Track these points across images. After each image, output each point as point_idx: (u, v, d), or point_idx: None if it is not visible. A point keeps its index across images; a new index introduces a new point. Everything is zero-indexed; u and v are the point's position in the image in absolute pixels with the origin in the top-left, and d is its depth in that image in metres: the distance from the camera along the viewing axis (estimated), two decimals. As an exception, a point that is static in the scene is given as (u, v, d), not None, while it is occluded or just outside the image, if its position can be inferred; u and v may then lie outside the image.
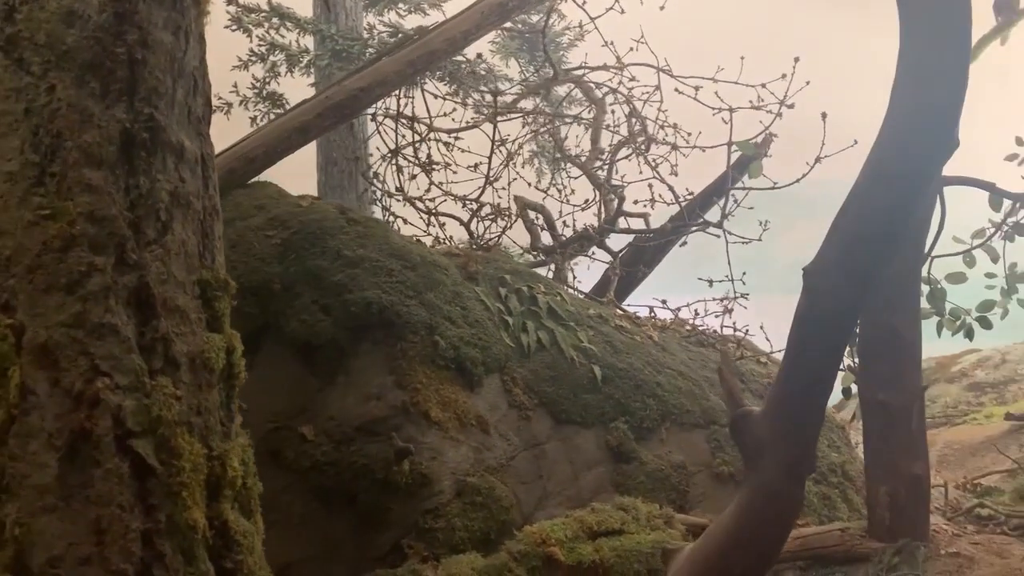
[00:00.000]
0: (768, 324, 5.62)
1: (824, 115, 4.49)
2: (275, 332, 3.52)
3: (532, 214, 5.40)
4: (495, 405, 3.70)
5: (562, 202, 5.34)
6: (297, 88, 7.13)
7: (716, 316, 5.39)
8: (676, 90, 4.87)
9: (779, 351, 4.96)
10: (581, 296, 4.76)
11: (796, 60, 4.53)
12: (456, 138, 5.23)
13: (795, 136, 4.97)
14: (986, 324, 4.56)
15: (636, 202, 5.12)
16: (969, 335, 4.58)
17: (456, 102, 5.34)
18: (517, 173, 5.33)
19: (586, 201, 5.35)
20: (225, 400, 2.42)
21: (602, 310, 4.46)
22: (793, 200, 5.48)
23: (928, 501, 3.79)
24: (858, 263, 2.32)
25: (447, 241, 4.93)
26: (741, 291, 5.24)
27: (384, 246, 3.77)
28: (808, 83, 4.58)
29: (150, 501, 2.10)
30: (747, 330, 5.36)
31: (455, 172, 5.17)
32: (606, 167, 5.47)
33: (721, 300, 5.44)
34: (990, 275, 4.53)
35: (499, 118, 5.17)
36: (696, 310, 5.47)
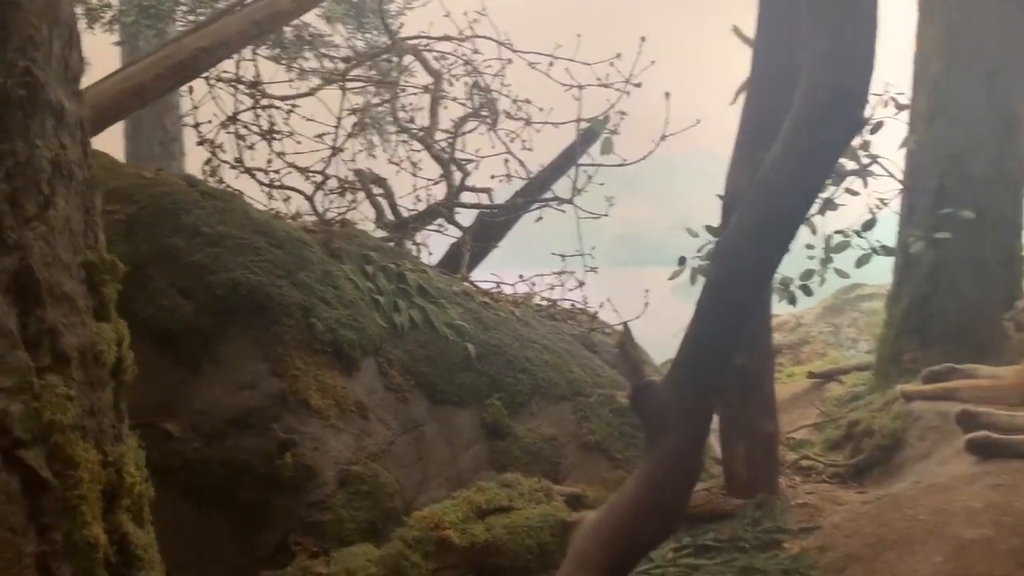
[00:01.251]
0: (595, 295, 5.83)
1: (667, 95, 4.67)
2: (126, 319, 3.14)
3: (376, 188, 5.22)
4: (372, 389, 3.55)
5: (414, 175, 5.20)
6: (100, 47, 6.39)
7: (551, 289, 5.51)
8: (530, 65, 4.88)
9: (623, 322, 5.14)
10: (440, 273, 4.67)
11: (642, 40, 4.67)
12: (293, 106, 4.92)
13: (640, 114, 5.13)
14: (808, 291, 4.96)
15: (493, 177, 5.10)
16: (792, 301, 4.97)
17: (296, 68, 5.02)
18: (363, 145, 5.13)
19: (441, 175, 5.24)
20: (115, 398, 2.13)
21: (464, 287, 4.40)
22: (615, 177, 5.68)
23: (778, 457, 4.09)
24: (771, 235, 2.43)
25: (292, 216, 4.64)
26: (576, 265, 5.40)
27: (246, 222, 3.47)
28: (653, 63, 4.75)
29: (44, 520, 1.81)
30: (586, 300, 5.52)
31: (299, 143, 4.89)
32: (451, 141, 5.37)
33: (559, 274, 5.56)
34: (809, 246, 4.91)
35: (345, 86, 4.92)
36: (534, 283, 5.56)
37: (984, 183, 5.37)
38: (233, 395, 3.12)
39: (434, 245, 5.30)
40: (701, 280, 4.56)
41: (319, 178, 4.92)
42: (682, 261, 4.51)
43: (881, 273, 6.07)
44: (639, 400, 2.83)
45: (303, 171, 4.90)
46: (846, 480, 4.76)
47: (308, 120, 4.85)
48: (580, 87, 4.81)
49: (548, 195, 5.20)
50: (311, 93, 5.03)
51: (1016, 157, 5.42)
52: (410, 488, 3.52)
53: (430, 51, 5.46)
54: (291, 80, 4.97)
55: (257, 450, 3.03)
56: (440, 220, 5.31)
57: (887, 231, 5.39)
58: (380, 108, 5.65)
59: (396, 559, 3.03)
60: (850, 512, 3.64)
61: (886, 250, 5.23)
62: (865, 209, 5.12)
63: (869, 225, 5.05)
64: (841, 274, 5.12)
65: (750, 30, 3.93)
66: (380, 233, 5.06)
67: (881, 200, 5.24)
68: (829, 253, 4.95)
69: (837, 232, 5.00)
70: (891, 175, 5.35)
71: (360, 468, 3.30)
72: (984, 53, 5.30)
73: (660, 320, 5.48)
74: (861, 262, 5.12)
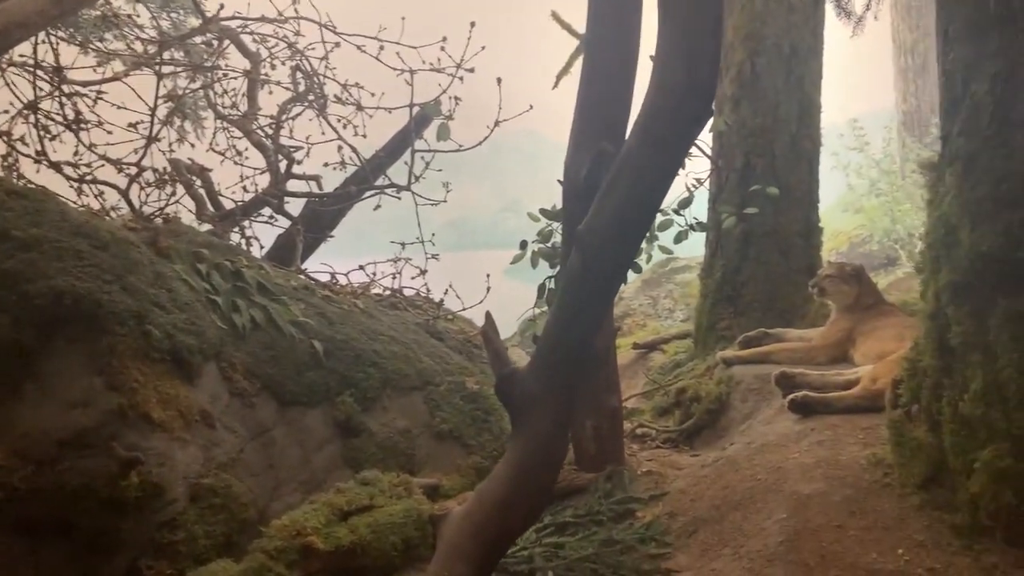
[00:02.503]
0: (431, 281, 5.81)
1: (499, 80, 4.68)
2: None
3: (197, 179, 4.89)
4: (217, 395, 3.34)
5: (239, 164, 4.90)
6: None
7: (392, 278, 5.43)
8: (359, 48, 4.72)
9: (471, 307, 5.16)
10: (275, 268, 4.45)
11: (472, 24, 4.65)
12: (100, 92, 4.50)
13: (471, 98, 5.11)
14: (637, 269, 5.19)
15: (326, 164, 4.90)
16: (624, 280, 5.17)
17: (98, 51, 4.57)
18: (180, 134, 4.77)
19: (267, 164, 4.97)
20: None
21: (304, 282, 4.24)
22: (445, 161, 5.66)
23: (622, 430, 4.26)
24: (630, 223, 2.51)
25: (109, 214, 4.25)
26: (414, 252, 5.34)
27: (63, 223, 3.14)
28: (484, 47, 4.74)
29: None
30: (427, 287, 5.48)
31: (110, 133, 4.47)
32: (274, 127, 5.12)
33: (395, 261, 5.48)
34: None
35: (159, 70, 4.54)
36: (374, 273, 5.46)
37: (785, 161, 5.81)
38: (63, 414, 2.82)
39: (264, 237, 5.06)
40: (543, 263, 4.68)
41: (134, 170, 4.54)
42: (523, 245, 4.58)
43: (692, 247, 6.43)
44: (504, 389, 2.86)
45: (116, 163, 4.51)
46: (678, 444, 5.04)
47: (119, 108, 4.46)
48: (411, 71, 4.72)
49: (383, 182, 5.08)
50: (118, 78, 4.62)
51: (811, 137, 5.91)
52: (263, 496, 3.37)
53: (248, 33, 5.16)
54: (96, 65, 4.52)
55: (97, 472, 2.77)
56: (268, 211, 5.06)
57: (699, 208, 5.71)
58: (196, 94, 5.28)
59: (259, 572, 2.88)
60: (692, 476, 3.86)
61: (701, 226, 5.57)
62: (682, 188, 5.41)
63: (686, 203, 5.33)
64: (664, 251, 5.39)
65: (580, 12, 4.02)
66: (204, 227, 4.75)
67: (697, 180, 5.57)
68: (655, 231, 5.19)
69: (659, 211, 5.25)
70: (706, 155, 5.70)
71: (211, 481, 3.11)
72: (782, 39, 5.72)
73: (494, 301, 5.53)
74: (680, 238, 5.41)
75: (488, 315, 2.92)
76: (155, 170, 4.58)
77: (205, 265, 3.66)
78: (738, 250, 5.88)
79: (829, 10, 5.90)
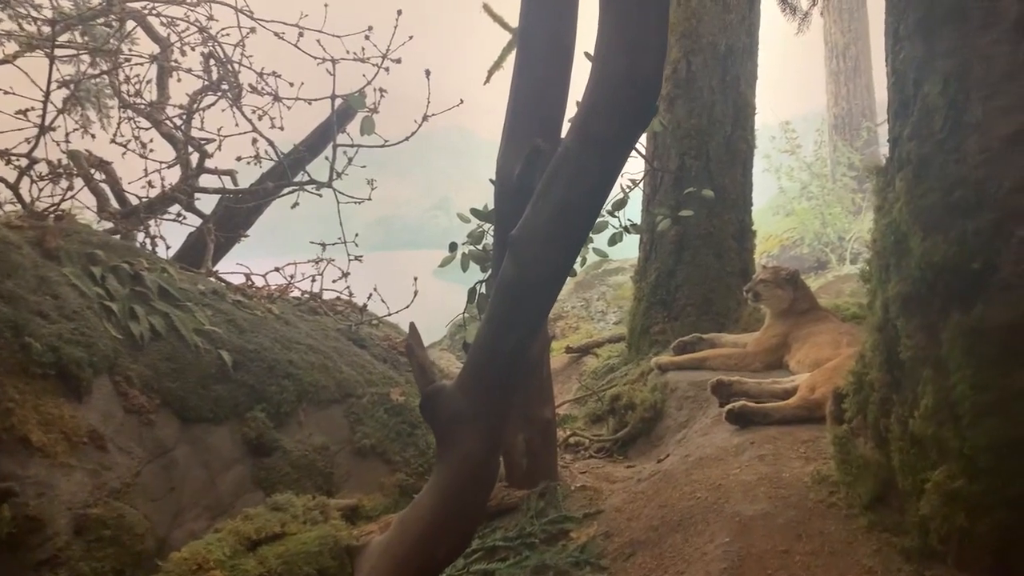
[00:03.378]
0: (355, 282, 5.52)
1: (428, 72, 4.43)
2: None
3: (97, 173, 4.49)
4: (109, 413, 3.01)
5: (144, 157, 4.51)
6: None
7: (312, 280, 5.12)
8: (277, 35, 4.39)
9: (396, 312, 4.89)
10: (181, 269, 4.10)
11: (399, 13, 4.38)
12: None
13: (398, 91, 4.84)
14: (572, 273, 5.00)
15: (239, 159, 4.56)
16: (559, 283, 4.98)
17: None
18: (78, 123, 4.37)
19: (175, 157, 4.60)
20: None
21: (213, 284, 3.90)
22: (371, 157, 5.38)
23: (556, 443, 4.06)
24: (568, 227, 2.30)
25: (-7, 210, 3.85)
26: (336, 253, 5.05)
27: (-72, 221, 2.78)
28: (411, 37, 4.47)
29: None
30: (349, 290, 5.18)
31: (-7, 120, 4.05)
32: (185, 117, 4.75)
33: (317, 262, 5.17)
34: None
35: (54, 53, 4.14)
36: (292, 275, 5.14)
37: (719, 162, 5.72)
38: (-78, 441, 2.48)
39: (172, 236, 4.68)
40: (475, 267, 4.44)
41: (24, 162, 4.13)
42: (453, 247, 4.34)
43: (625, 248, 6.32)
44: (429, 407, 2.62)
45: (3, 154, 4.09)
46: (612, 453, 4.88)
47: (6, 93, 4.04)
48: (334, 61, 4.42)
49: (302, 178, 4.76)
50: (8, 61, 4.20)
51: (746, 139, 5.83)
52: (163, 524, 3.05)
53: (156, 16, 4.78)
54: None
55: (-39, 507, 2.43)
56: (178, 207, 4.69)
57: (633, 209, 5.58)
58: (97, 80, 4.87)
59: (153, 614, 2.59)
60: (628, 492, 3.68)
61: (635, 228, 5.42)
62: (617, 189, 5.25)
63: (621, 204, 5.17)
64: (600, 253, 5.22)
65: (511, 5, 3.81)
66: (106, 225, 4.37)
67: (632, 181, 5.41)
68: (589, 234, 5.01)
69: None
70: (641, 156, 5.55)
71: (100, 510, 2.78)
72: (718, 38, 5.61)
73: (422, 303, 5.28)
74: (614, 240, 5.25)
75: (412, 326, 2.68)
76: (50, 162, 4.18)
77: (100, 268, 3.31)
78: (672, 253, 5.78)
79: (764, 10, 5.82)
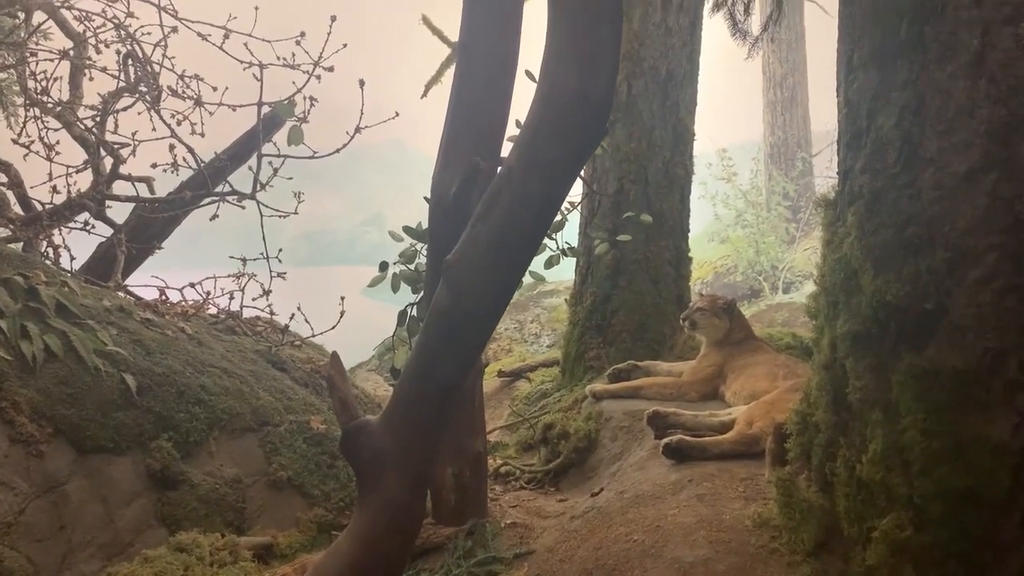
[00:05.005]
0: (279, 299, 5.25)
1: (362, 82, 4.22)
2: None
3: (-3, 175, 4.14)
4: (-8, 444, 2.70)
5: (50, 160, 4.17)
6: None
7: (230, 298, 4.83)
8: (201, 36, 4.13)
9: (321, 333, 4.64)
10: (85, 283, 3.79)
11: (333, 19, 4.16)
12: None
13: (330, 100, 4.60)
14: (507, 295, 4.83)
15: (155, 165, 4.24)
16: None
17: None
18: (-24, 120, 4.02)
19: (86, 161, 4.27)
20: None
21: (120, 300, 3.60)
22: (299, 168, 5.14)
23: (487, 478, 3.87)
24: (509, 254, 2.12)
25: None
26: (258, 268, 4.78)
27: None
28: (345, 45, 4.26)
29: None
30: (271, 308, 4.91)
31: None
32: (99, 119, 4.42)
33: (238, 277, 4.89)
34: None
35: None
36: (208, 292, 4.84)
37: (658, 187, 5.65)
38: None
39: (79, 246, 4.34)
40: (405, 288, 4.23)
41: (-90, 160, 3.78)
42: (384, 267, 4.12)
43: (560, 270, 6.22)
44: (351, 445, 2.40)
45: None
46: (544, 485, 4.71)
47: None
48: (261, 66, 4.17)
49: (224, 188, 4.48)
50: (-103, 50, 3.85)
51: (684, 164, 5.77)
52: (50, 567, 2.75)
53: (70, 9, 4.45)
54: None
55: None
56: (86, 215, 4.36)
57: (569, 232, 5.48)
58: (2, 75, 4.52)
59: (30, 674, 2.30)
60: (561, 530, 3.51)
61: (573, 251, 5.30)
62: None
63: (558, 227, 5.04)
64: (536, 277, 5.07)
65: (451, 19, 3.65)
66: (3, 233, 4.02)
67: (570, 203, 5.29)
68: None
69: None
70: (580, 178, 5.43)
71: (-26, 554, 2.48)
72: (659, 62, 5.54)
73: (351, 321, 5.04)
74: (551, 263, 5.12)
75: (335, 356, 2.46)
76: (-61, 163, 3.83)
77: (-11, 281, 3.00)
78: (609, 277, 5.68)
79: (705, 36, 5.79)
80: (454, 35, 5.14)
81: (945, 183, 2.26)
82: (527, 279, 5.14)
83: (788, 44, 10.56)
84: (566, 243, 5.08)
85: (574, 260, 5.73)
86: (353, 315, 4.99)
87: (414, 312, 4.16)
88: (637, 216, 5.40)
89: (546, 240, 4.97)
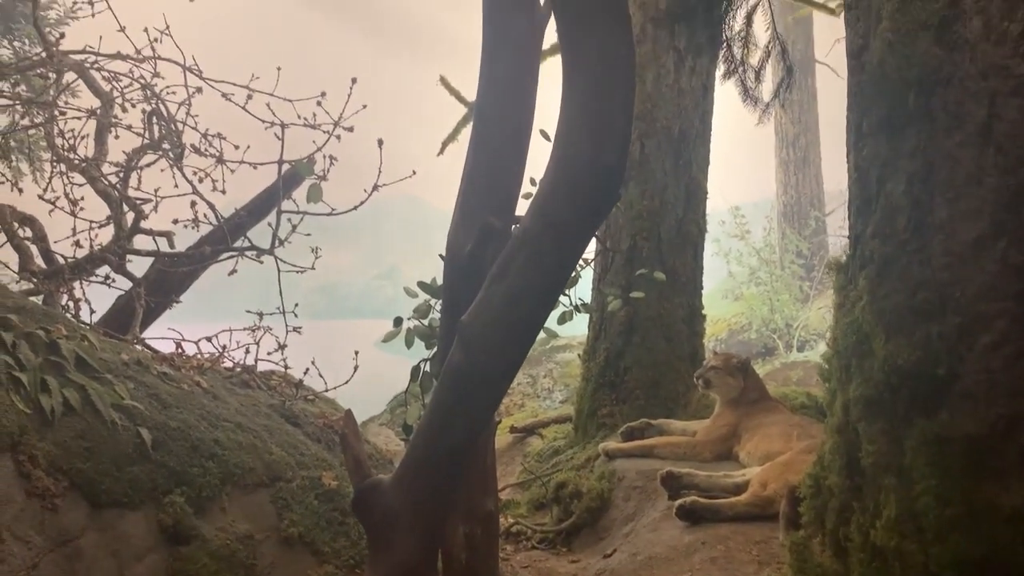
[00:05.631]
0: (294, 351, 5.29)
1: (380, 141, 4.31)
2: None
3: (23, 230, 4.23)
4: (8, 497, 2.72)
5: (74, 215, 4.27)
6: None
7: (246, 352, 4.86)
8: (224, 96, 4.25)
9: (334, 388, 4.67)
10: (104, 336, 3.84)
11: (353, 81, 4.27)
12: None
13: (349, 156, 4.70)
14: (519, 352, 4.84)
15: (176, 221, 4.33)
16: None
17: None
18: (6, 176, 4.12)
19: (109, 217, 4.36)
20: None
21: (138, 354, 3.65)
22: (317, 222, 5.22)
23: (498, 536, 3.84)
24: (523, 315, 2.16)
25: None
26: (274, 322, 4.82)
27: None
28: (365, 106, 4.37)
29: None
30: (286, 361, 4.94)
31: (-89, 170, 3.79)
32: (122, 175, 4.53)
33: (253, 330, 4.93)
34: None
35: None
36: (224, 345, 4.88)
37: (671, 245, 5.70)
38: None
39: (99, 299, 4.41)
40: (419, 344, 4.26)
41: (-60, 215, 3.88)
42: (398, 322, 4.16)
43: (573, 325, 6.24)
44: (363, 505, 2.42)
45: (-83, 205, 3.83)
46: (556, 545, 4.67)
47: (-75, 142, 3.81)
48: (283, 125, 4.28)
49: (243, 243, 4.56)
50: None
51: (697, 222, 5.83)
52: (60, 622, 2.74)
53: (99, 70, 4.60)
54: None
55: None
56: (106, 269, 4.44)
57: (582, 287, 5.51)
58: (32, 132, 4.65)
59: None
60: (573, 591, 3.48)
61: (585, 307, 5.32)
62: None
63: (572, 283, 5.07)
64: (550, 333, 5.09)
65: (468, 79, 3.74)
66: (26, 286, 4.10)
67: (584, 259, 5.33)
68: (539, 313, 4.88)
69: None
70: (595, 236, 5.49)
71: (-15, 609, 2.49)
72: (672, 122, 5.64)
73: (364, 374, 5.07)
74: (564, 319, 5.13)
75: (349, 414, 2.48)
76: (-32, 217, 3.93)
77: (12, 334, 3.05)
78: (622, 334, 5.70)
79: (718, 97, 5.89)
80: (471, 94, 5.25)
81: (955, 250, 2.29)
82: (540, 334, 5.17)
83: (800, 105, 10.72)
84: (579, 299, 5.11)
85: (587, 316, 5.75)
86: (367, 368, 5.02)
87: (427, 368, 4.19)
88: (650, 273, 5.43)
89: (559, 296, 5.01)
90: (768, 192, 11.09)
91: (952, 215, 2.30)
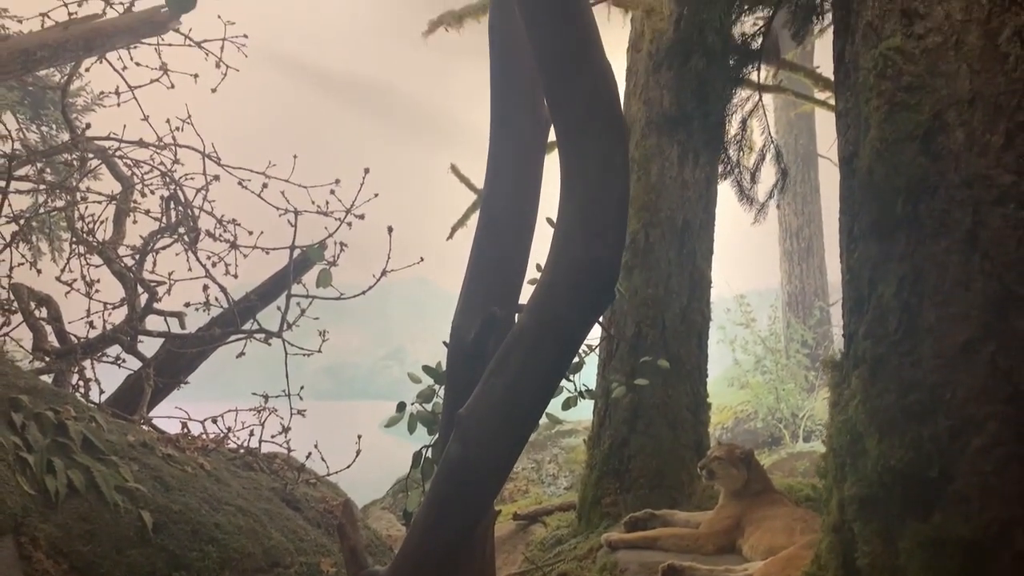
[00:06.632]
0: (298, 432, 5.31)
1: (390, 228, 4.44)
2: None
3: (38, 309, 4.34)
4: (7, 579, 2.74)
5: (89, 296, 4.38)
6: None
7: (250, 434, 4.90)
8: (240, 183, 4.40)
9: (337, 472, 4.68)
10: (112, 416, 3.89)
11: (366, 171, 4.43)
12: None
13: (358, 239, 4.82)
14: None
15: (188, 304, 4.44)
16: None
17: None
18: (25, 257, 4.25)
19: (123, 298, 4.47)
20: None
21: (145, 436, 3.69)
22: (324, 302, 5.30)
23: (495, 628, 3.79)
24: (521, 408, 2.20)
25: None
26: (279, 403, 4.88)
27: None
28: (376, 195, 4.51)
29: None
30: (289, 442, 4.96)
31: (-66, 252, 3.92)
32: (138, 257, 4.66)
33: (258, 411, 4.98)
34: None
35: (8, 186, 4.08)
36: (229, 427, 4.92)
37: (675, 333, 5.74)
38: None
39: (107, 376, 4.47)
40: (422, 429, 4.28)
41: (-40, 295, 3.99)
42: (401, 407, 4.20)
43: (579, 410, 6.24)
44: (357, 596, 2.42)
45: (-63, 287, 3.95)
46: (556, 639, 4.59)
47: (-49, 226, 3.95)
48: (296, 212, 4.41)
49: (252, 326, 4.64)
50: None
51: (701, 311, 5.88)
52: None
53: (122, 156, 4.78)
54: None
55: None
56: (117, 349, 4.52)
57: (587, 372, 5.53)
58: (53, 214, 4.80)
59: None
60: None
61: (590, 393, 5.34)
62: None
63: (576, 368, 5.11)
64: (553, 419, 5.11)
65: (477, 167, 3.87)
66: (37, 364, 4.17)
67: (588, 346, 5.39)
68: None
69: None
70: (599, 323, 5.55)
71: None
72: (676, 212, 5.76)
73: (368, 456, 5.07)
74: (568, 404, 5.16)
75: (347, 504, 2.52)
76: (-13, 296, 4.04)
77: (22, 415, 3.11)
78: (626, 421, 5.70)
79: (722, 189, 6.02)
80: (480, 181, 5.41)
81: (945, 352, 2.34)
82: (543, 419, 5.18)
83: (804, 197, 10.92)
84: (583, 385, 5.14)
85: (592, 401, 5.76)
86: (370, 451, 5.03)
87: (429, 454, 4.21)
88: (655, 361, 5.46)
89: (564, 381, 5.04)
90: (772, 281, 11.20)
91: (941, 318, 2.36)
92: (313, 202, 4.67)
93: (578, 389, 5.07)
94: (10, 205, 4.21)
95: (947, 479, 2.27)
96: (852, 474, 2.54)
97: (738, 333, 9.81)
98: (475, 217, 3.71)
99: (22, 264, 4.45)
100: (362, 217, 4.48)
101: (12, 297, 4.23)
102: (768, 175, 4.13)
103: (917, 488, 2.33)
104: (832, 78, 2.97)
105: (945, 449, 2.29)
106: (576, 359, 5.16)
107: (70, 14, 4.59)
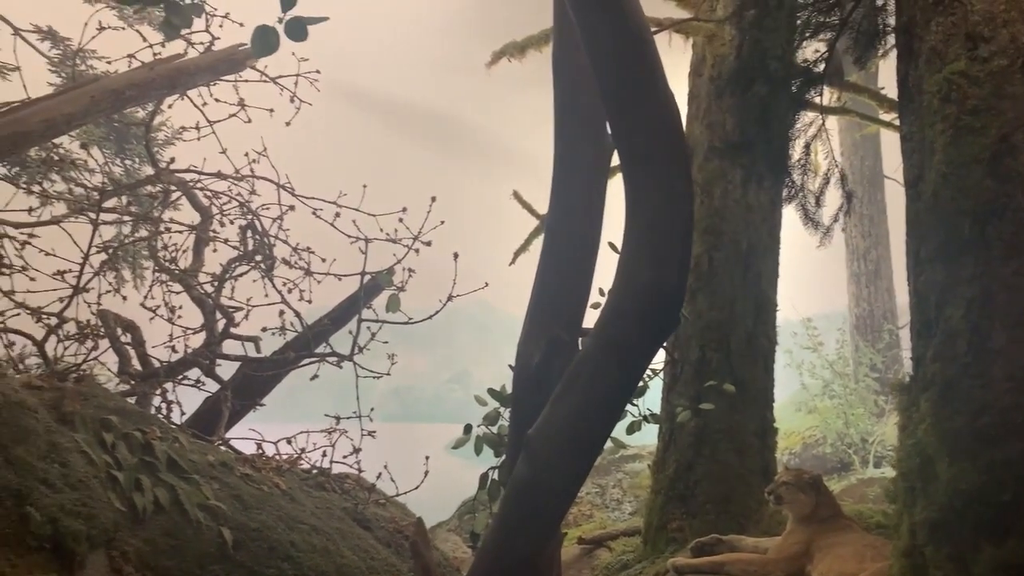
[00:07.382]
0: (367, 453, 5.43)
1: (456, 255, 4.55)
2: None
3: (123, 335, 4.56)
4: (100, 591, 2.89)
5: (172, 322, 4.60)
6: None
7: (323, 454, 5.03)
8: (314, 213, 4.58)
9: (405, 492, 4.77)
10: (193, 437, 4.07)
11: (433, 199, 4.56)
12: (31, 235, 4.24)
13: (425, 265, 4.95)
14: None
15: (265, 329, 4.62)
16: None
17: (39, 193, 4.36)
18: (112, 285, 4.49)
19: (202, 324, 4.68)
20: None
21: (224, 456, 3.85)
22: (391, 327, 5.43)
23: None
24: (586, 431, 2.26)
25: (19, 367, 3.88)
26: (350, 425, 5.00)
27: (-55, 382, 2.79)
28: (443, 222, 4.63)
29: None
30: (359, 463, 5.08)
31: (33, 280, 4.17)
32: (217, 285, 4.87)
33: (330, 432, 5.11)
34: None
35: (98, 217, 4.32)
36: (303, 448, 5.07)
37: (740, 357, 5.70)
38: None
39: (187, 399, 4.67)
40: (488, 451, 4.36)
41: (54, 321, 4.22)
42: (467, 429, 4.29)
43: (643, 435, 6.22)
44: (431, 612, 2.50)
45: (35, 312, 4.19)
46: (622, 663, 4.59)
47: (47, 254, 4.19)
48: (367, 240, 4.57)
49: (324, 349, 4.80)
50: (55, 222, 4.38)
51: (767, 334, 5.84)
52: None
53: (201, 188, 5.01)
54: (30, 209, 4.30)
55: None
56: (197, 372, 4.72)
57: (651, 397, 5.53)
58: (137, 244, 5.05)
59: None
60: None
61: (654, 417, 5.34)
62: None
63: (640, 392, 5.12)
64: (618, 443, 5.12)
65: (539, 193, 3.95)
66: (122, 387, 4.38)
67: (652, 370, 5.39)
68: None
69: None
70: (663, 347, 5.56)
71: None
72: (740, 236, 5.75)
73: (435, 479, 5.16)
74: (632, 429, 5.17)
75: (420, 523, 2.59)
76: (78, 322, 4.26)
77: (112, 435, 3.28)
78: (692, 446, 5.67)
79: (787, 212, 5.99)
80: (542, 207, 5.49)
81: (1016, 375, 2.32)
82: (607, 444, 5.21)
83: (871, 219, 10.75)
84: (648, 409, 5.15)
85: (656, 426, 5.75)
86: (437, 473, 5.11)
87: (495, 476, 4.27)
88: (720, 385, 5.45)
89: (628, 406, 5.06)
90: (840, 304, 11.02)
91: (1012, 340, 2.34)
92: (382, 230, 4.82)
93: (642, 413, 5.08)
94: (100, 235, 4.45)
95: (1021, 503, 2.25)
96: (923, 498, 2.52)
97: (805, 357, 9.66)
98: (538, 242, 3.78)
99: (109, 292, 4.69)
100: (429, 244, 4.60)
101: (100, 323, 4.45)
102: (833, 198, 4.13)
103: (990, 512, 2.31)
104: (896, 99, 2.97)
105: (1019, 473, 2.26)
106: (640, 383, 5.18)
107: (155, 55, 4.86)
